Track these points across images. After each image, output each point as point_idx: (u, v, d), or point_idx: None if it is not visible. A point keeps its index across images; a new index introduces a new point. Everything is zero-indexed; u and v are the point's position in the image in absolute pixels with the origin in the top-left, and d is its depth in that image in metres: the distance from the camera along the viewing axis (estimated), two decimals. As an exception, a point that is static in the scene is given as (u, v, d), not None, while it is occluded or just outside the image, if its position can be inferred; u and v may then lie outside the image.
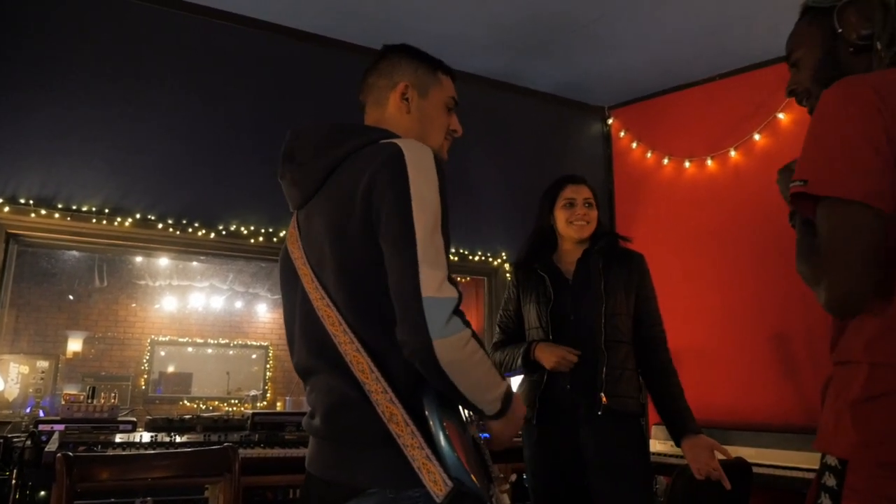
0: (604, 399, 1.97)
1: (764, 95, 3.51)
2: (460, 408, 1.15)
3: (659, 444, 3.40)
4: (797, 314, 3.18)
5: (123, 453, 2.34)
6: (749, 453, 2.80)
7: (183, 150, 3.12)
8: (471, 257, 3.73)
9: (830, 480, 0.97)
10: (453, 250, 3.67)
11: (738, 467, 2.32)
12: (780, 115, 3.45)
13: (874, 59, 1.06)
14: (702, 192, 3.74)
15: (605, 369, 1.99)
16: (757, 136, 3.54)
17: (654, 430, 3.44)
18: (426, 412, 1.05)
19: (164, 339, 6.55)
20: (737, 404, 3.41)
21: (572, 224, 2.13)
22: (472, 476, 1.03)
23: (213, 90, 3.22)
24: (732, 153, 3.64)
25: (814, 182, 0.96)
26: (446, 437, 1.03)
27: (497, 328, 2.29)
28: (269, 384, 6.69)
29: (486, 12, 3.28)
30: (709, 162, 3.73)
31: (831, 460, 0.97)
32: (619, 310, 2.06)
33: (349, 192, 1.13)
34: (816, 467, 1.01)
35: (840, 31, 1.09)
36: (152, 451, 2.21)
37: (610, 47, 3.58)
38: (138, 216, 2.97)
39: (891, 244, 0.94)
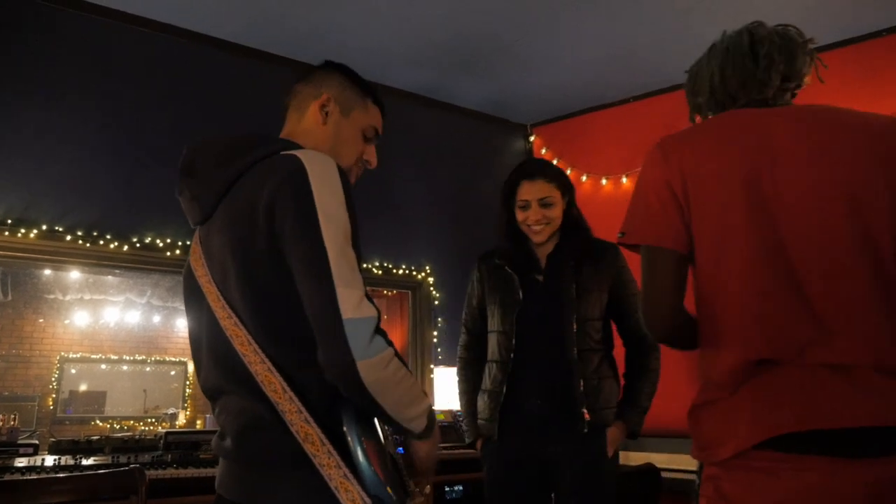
0: (587, 415, 1.86)
1: (673, 118, 3.67)
2: (377, 423, 1.15)
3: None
4: (704, 325, 3.34)
5: (20, 478, 2.21)
6: (660, 458, 2.92)
7: (93, 159, 2.99)
8: (395, 271, 3.74)
9: (697, 479, 1.10)
10: (377, 263, 3.67)
11: (647, 472, 2.43)
12: (689, 137, 3.64)
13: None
14: (618, 208, 3.87)
15: (581, 381, 1.87)
16: (668, 156, 3.72)
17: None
18: (345, 429, 1.05)
19: (74, 356, 6.22)
20: (650, 411, 3.54)
21: (528, 228, 1.97)
22: (390, 491, 1.03)
23: (127, 98, 3.11)
24: (646, 171, 3.80)
25: (628, 233, 1.17)
26: (364, 453, 1.03)
27: (462, 327, 2.16)
28: (188, 402, 6.46)
29: (412, 29, 3.32)
30: (624, 180, 3.89)
31: (697, 464, 1.11)
32: (592, 314, 1.93)
33: (250, 206, 1.10)
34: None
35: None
36: (52, 476, 2.09)
37: (532, 67, 3.69)
38: (45, 227, 2.83)
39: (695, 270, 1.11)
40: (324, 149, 1.24)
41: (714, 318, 1.08)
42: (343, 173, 1.12)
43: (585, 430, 1.85)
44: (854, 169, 1.07)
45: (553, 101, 4.06)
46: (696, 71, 1.29)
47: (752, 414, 1.00)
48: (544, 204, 1.94)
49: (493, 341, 2.01)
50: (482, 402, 2.01)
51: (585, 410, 1.86)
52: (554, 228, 1.97)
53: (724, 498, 1.01)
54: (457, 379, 2.19)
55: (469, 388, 2.11)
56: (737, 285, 1.05)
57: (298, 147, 1.20)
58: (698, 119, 1.30)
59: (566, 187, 2.01)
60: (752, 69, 1.19)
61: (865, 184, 1.06)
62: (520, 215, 1.98)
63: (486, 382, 2.02)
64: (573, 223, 2.01)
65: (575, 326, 1.89)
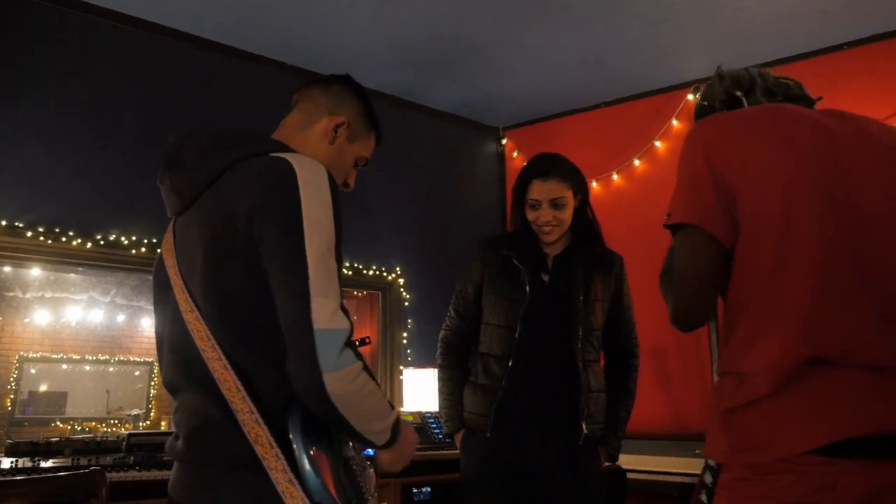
0: (585, 429, 1.83)
1: (643, 124, 3.75)
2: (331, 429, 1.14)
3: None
4: (669, 330, 3.39)
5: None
6: (626, 460, 2.95)
7: (56, 154, 2.92)
8: (365, 272, 3.73)
9: (708, 478, 1.06)
10: (347, 264, 3.65)
11: (613, 473, 2.46)
12: (658, 143, 3.70)
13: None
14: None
15: (585, 393, 1.83)
16: (637, 162, 3.78)
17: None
18: (290, 435, 1.04)
19: (34, 355, 6.06)
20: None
21: (539, 228, 1.89)
22: (337, 499, 1.02)
23: (93, 91, 3.04)
24: (615, 177, 3.86)
25: (673, 213, 1.09)
26: (310, 459, 1.02)
27: (452, 311, 2.03)
28: (153, 403, 6.34)
29: (386, 30, 3.32)
30: (594, 184, 3.93)
31: (711, 462, 1.07)
32: (597, 325, 1.90)
33: (231, 205, 1.09)
34: (687, 471, 1.12)
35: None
36: (9, 479, 2.04)
37: (505, 71, 3.71)
38: (4, 223, 2.76)
39: (743, 264, 1.06)
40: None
41: (764, 311, 1.02)
42: (333, 182, 1.11)
43: (580, 443, 1.84)
44: None
45: (525, 105, 4.09)
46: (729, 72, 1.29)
47: (804, 417, 0.98)
48: (555, 205, 1.86)
49: (489, 334, 1.91)
50: (471, 394, 1.93)
51: (584, 423, 1.83)
52: (564, 230, 1.90)
53: (753, 497, 0.99)
54: (439, 363, 2.04)
55: (455, 375, 1.98)
56: (799, 280, 1.01)
57: (290, 150, 1.18)
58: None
59: (579, 187, 1.92)
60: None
61: None
62: (530, 214, 1.90)
63: (479, 376, 1.92)
64: (586, 225, 1.94)
65: (581, 336, 1.84)
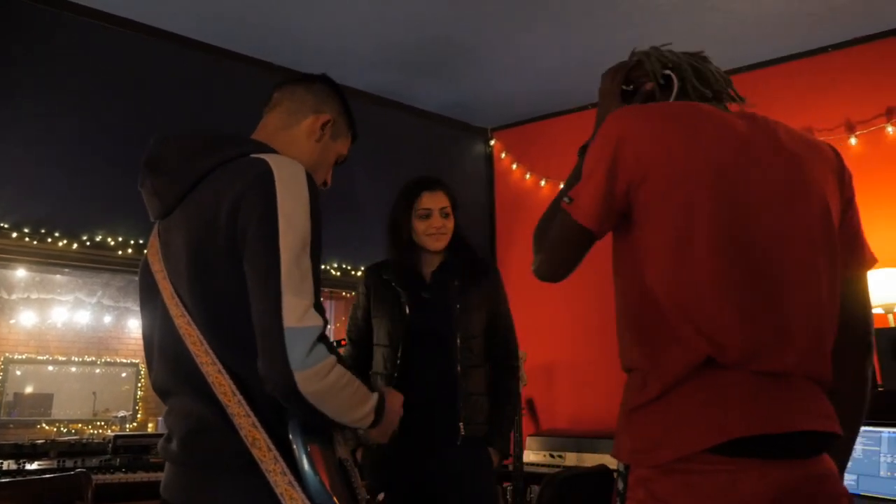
0: (462, 430, 1.94)
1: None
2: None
3: (532, 454, 3.53)
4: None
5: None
6: (613, 460, 2.97)
7: (41, 154, 2.90)
8: (354, 273, 3.72)
9: (620, 484, 1.05)
10: (335, 265, 3.65)
11: (600, 474, 2.47)
12: (645, 144, 3.72)
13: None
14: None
15: (462, 396, 1.95)
16: (624, 163, 3.79)
17: (528, 441, 3.57)
18: (290, 436, 1.04)
19: (20, 357, 6.01)
20: (604, 414, 3.61)
21: (429, 236, 2.03)
22: (336, 500, 1.03)
23: (78, 91, 3.02)
24: (603, 178, 3.87)
25: (576, 206, 1.11)
26: (310, 461, 1.02)
27: (347, 338, 2.17)
28: (139, 404, 6.30)
29: (375, 31, 3.31)
30: (582, 185, 3.94)
31: (620, 466, 1.06)
32: (475, 331, 2.03)
33: (213, 208, 1.09)
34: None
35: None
36: (-7, 481, 2.02)
37: (493, 73, 3.72)
38: (-12, 224, 2.74)
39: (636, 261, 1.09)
40: (304, 162, 1.23)
41: (666, 312, 1.04)
42: (312, 181, 1.11)
43: (458, 443, 1.93)
44: (822, 171, 1.11)
45: (513, 106, 4.10)
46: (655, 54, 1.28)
47: (699, 417, 0.99)
48: (444, 213, 2.05)
49: (378, 354, 2.05)
50: None
51: (462, 424, 1.93)
52: (449, 239, 2.06)
53: (659, 501, 0.99)
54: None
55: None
56: (699, 283, 1.02)
57: (271, 151, 1.19)
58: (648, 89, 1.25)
59: (456, 204, 2.12)
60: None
61: (828, 191, 1.10)
62: (421, 225, 2.04)
63: None
64: (459, 241, 2.09)
65: (459, 343, 1.97)
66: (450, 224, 2.06)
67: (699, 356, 1.00)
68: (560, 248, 1.16)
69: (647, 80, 1.25)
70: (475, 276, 2.06)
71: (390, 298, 2.03)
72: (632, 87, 1.28)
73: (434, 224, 2.03)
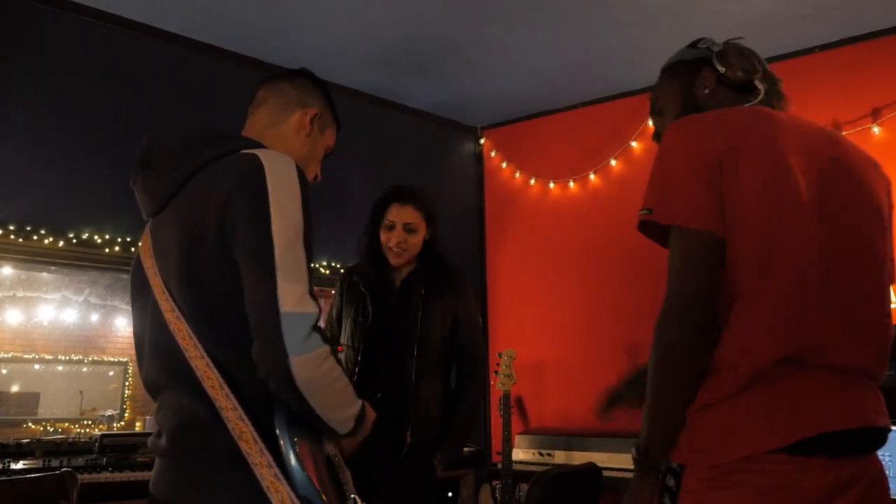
0: (408, 439, 1.92)
1: (620, 124, 3.79)
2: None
3: (521, 452, 3.54)
4: (649, 327, 3.43)
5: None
6: (601, 458, 2.99)
7: (27, 150, 2.87)
8: (343, 271, 3.71)
9: (671, 481, 1.05)
10: (325, 263, 3.64)
11: (588, 471, 2.48)
12: (634, 144, 3.74)
13: (750, 95, 1.22)
14: (564, 212, 3.96)
15: (413, 403, 1.94)
16: (613, 162, 3.81)
17: (517, 439, 3.57)
18: (276, 430, 1.04)
19: (5, 355, 5.93)
20: (593, 412, 3.62)
21: (388, 250, 2.05)
22: (323, 495, 1.02)
23: (64, 87, 2.99)
24: (592, 177, 3.89)
25: (658, 211, 1.06)
26: (296, 455, 1.02)
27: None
28: (127, 403, 6.25)
29: (364, 29, 3.31)
30: (571, 184, 3.96)
31: (673, 464, 1.05)
32: (434, 338, 2.01)
33: (203, 204, 1.10)
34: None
35: (723, 70, 1.23)
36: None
37: (483, 71, 3.72)
38: (-28, 221, 2.71)
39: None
40: (295, 157, 1.25)
41: (741, 307, 1.02)
42: (302, 174, 1.12)
43: (405, 451, 1.92)
44: (880, 187, 1.17)
45: (503, 105, 4.11)
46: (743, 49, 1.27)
47: (768, 417, 0.99)
48: (408, 229, 2.03)
49: (344, 355, 2.08)
50: None
51: (409, 433, 1.92)
52: (412, 255, 2.05)
53: (718, 498, 0.99)
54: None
55: None
56: (783, 282, 1.02)
57: (261, 146, 1.19)
58: (704, 96, 1.23)
59: (431, 218, 2.09)
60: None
61: (884, 207, 1.17)
62: (383, 235, 2.05)
63: None
64: (431, 252, 2.09)
65: (416, 351, 1.97)
66: (413, 239, 2.04)
67: (777, 354, 1.00)
68: (682, 281, 1.06)
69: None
70: (440, 285, 2.06)
71: (356, 300, 2.06)
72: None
73: (394, 238, 2.03)
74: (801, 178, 1.06)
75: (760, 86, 1.21)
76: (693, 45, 1.30)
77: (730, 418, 1.01)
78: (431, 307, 2.03)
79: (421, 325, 2.00)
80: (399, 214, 2.04)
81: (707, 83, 1.24)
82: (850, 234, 1.09)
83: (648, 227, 1.11)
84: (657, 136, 1.31)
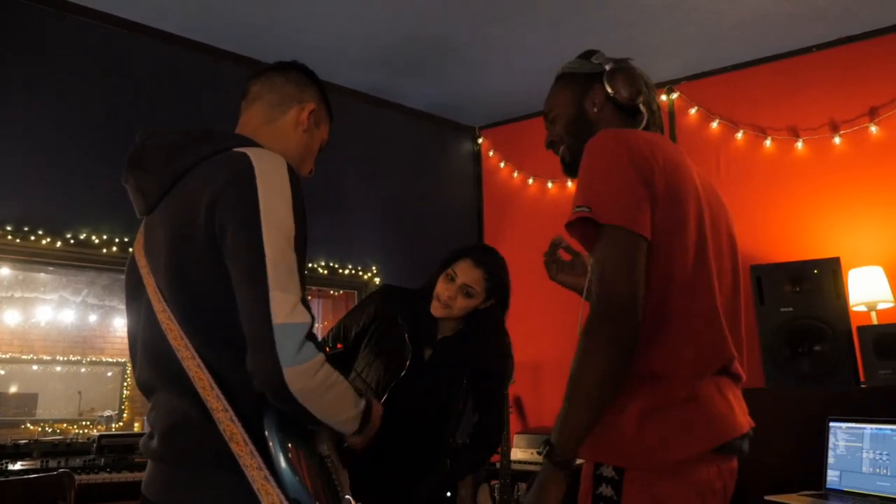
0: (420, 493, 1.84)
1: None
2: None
3: (519, 451, 3.54)
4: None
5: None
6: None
7: (24, 151, 2.87)
8: (341, 271, 3.72)
9: (607, 491, 1.03)
10: (322, 263, 3.64)
11: (574, 473, 2.47)
12: (632, 143, 3.74)
13: (633, 119, 1.27)
14: (563, 211, 3.95)
15: (423, 490, 1.85)
16: (611, 162, 3.81)
17: (515, 438, 3.57)
18: (266, 432, 1.03)
19: (3, 356, 5.93)
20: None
21: (436, 299, 1.90)
22: (314, 498, 1.02)
23: (61, 87, 2.99)
24: (590, 176, 3.88)
25: (597, 210, 1.07)
26: (286, 457, 1.02)
27: (328, 336, 2.03)
28: (125, 403, 6.25)
29: (362, 28, 3.31)
30: (569, 184, 3.96)
31: (607, 471, 1.04)
32: (457, 413, 1.93)
33: (193, 202, 1.08)
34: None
35: (611, 93, 1.27)
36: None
37: (481, 71, 3.72)
38: (-30, 222, 2.71)
39: (657, 268, 1.09)
40: (293, 154, 1.24)
41: (687, 317, 1.09)
42: (294, 174, 1.10)
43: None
44: (727, 216, 1.29)
45: (501, 104, 4.11)
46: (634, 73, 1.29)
47: (708, 421, 1.07)
48: (466, 292, 1.87)
49: (357, 383, 1.93)
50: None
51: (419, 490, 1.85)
52: (453, 315, 1.90)
53: (660, 501, 1.02)
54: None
55: None
56: (710, 290, 1.13)
57: (254, 144, 1.18)
58: (593, 112, 1.29)
59: (494, 293, 1.93)
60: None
61: (731, 232, 1.28)
62: (440, 284, 1.91)
63: None
64: (482, 321, 1.94)
65: (443, 433, 1.92)
66: (465, 302, 1.88)
67: (712, 365, 1.11)
68: (616, 279, 1.10)
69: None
70: (478, 362, 1.94)
71: (395, 341, 1.89)
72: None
73: (447, 291, 1.88)
74: (706, 208, 1.18)
75: (644, 111, 1.26)
76: (587, 56, 1.35)
77: (675, 422, 1.06)
78: (463, 384, 1.93)
79: (448, 417, 1.91)
80: (464, 272, 1.88)
81: (597, 101, 1.28)
82: (726, 259, 1.21)
83: (575, 226, 1.12)
84: (551, 144, 1.37)
